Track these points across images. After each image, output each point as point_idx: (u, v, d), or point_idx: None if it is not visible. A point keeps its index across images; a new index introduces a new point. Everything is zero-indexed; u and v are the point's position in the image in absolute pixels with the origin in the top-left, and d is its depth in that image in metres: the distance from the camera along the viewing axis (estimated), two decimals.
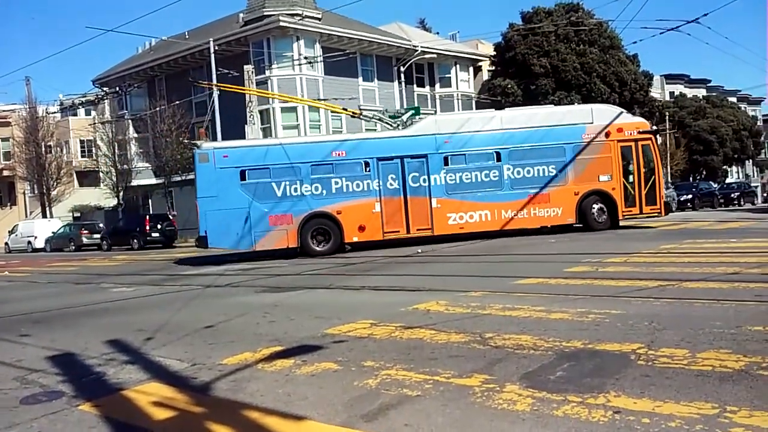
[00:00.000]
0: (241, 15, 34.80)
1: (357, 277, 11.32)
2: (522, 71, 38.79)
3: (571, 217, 19.02)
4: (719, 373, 4.04)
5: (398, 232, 18.50)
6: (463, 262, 13.24)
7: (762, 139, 66.93)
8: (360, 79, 36.10)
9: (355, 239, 18.16)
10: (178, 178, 35.00)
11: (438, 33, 49.37)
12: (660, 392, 3.78)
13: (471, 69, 42.01)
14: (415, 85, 39.05)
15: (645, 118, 25.56)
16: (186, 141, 33.59)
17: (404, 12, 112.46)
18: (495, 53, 41.79)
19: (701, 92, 67.77)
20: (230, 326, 7.19)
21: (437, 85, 40.23)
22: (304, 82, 32.88)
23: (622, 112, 20.28)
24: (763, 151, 71.11)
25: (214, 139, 31.39)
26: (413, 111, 28.01)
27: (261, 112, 31.18)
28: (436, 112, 39.24)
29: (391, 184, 18.33)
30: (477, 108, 39.33)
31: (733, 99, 70.18)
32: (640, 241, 14.49)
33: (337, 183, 18.10)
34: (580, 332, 5.46)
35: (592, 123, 19.30)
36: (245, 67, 28.95)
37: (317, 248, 17.81)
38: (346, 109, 22.42)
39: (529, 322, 6.08)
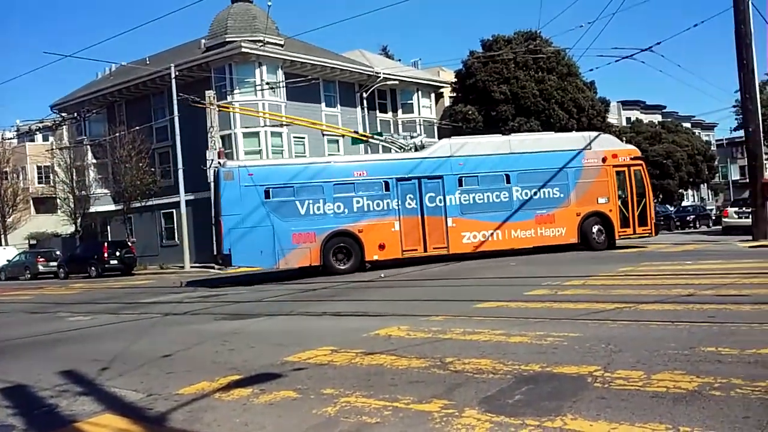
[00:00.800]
0: (203, 41, 34.74)
1: (318, 303, 11.26)
2: (482, 98, 39.37)
3: (573, 237, 20.04)
4: (673, 395, 4.10)
5: (416, 250, 19.09)
6: (426, 287, 13.27)
7: (716, 163, 68.77)
8: (323, 104, 36.23)
9: (376, 257, 18.61)
10: (138, 205, 34.54)
11: (400, 60, 50.03)
12: (616, 414, 3.82)
13: (432, 95, 42.50)
14: (377, 111, 39.33)
15: None
16: (146, 167, 33.25)
17: (367, 40, 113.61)
18: (456, 80, 42.37)
19: (657, 118, 69.54)
20: (188, 355, 7.08)
21: (399, 111, 40.58)
22: (267, 108, 32.85)
23: (614, 140, 22.02)
24: (717, 174, 73.02)
25: (175, 164, 31.22)
26: (378, 135, 28.30)
27: (222, 137, 31.01)
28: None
29: (409, 204, 18.97)
30: (438, 134, 39.82)
31: (688, 124, 72.15)
32: (598, 264, 14.71)
33: (358, 202, 18.60)
34: (539, 355, 5.50)
35: (590, 149, 20.67)
36: (207, 92, 28.82)
37: (339, 266, 18.14)
38: (357, 132, 22.94)
39: (488, 346, 6.11)
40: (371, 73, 37.48)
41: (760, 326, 5.99)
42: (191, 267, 29.23)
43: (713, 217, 43.16)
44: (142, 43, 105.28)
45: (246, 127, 32.41)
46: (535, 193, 19.95)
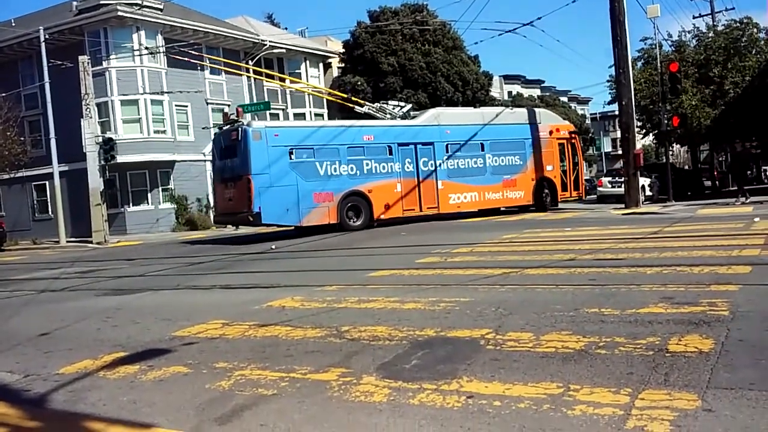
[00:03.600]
0: (75, 3, 32.50)
1: (207, 276, 10.92)
2: (371, 69, 39.34)
3: (529, 199, 22.98)
4: (562, 354, 4.26)
5: (413, 210, 20.83)
6: (318, 257, 13.19)
7: (590, 136, 72.44)
8: (206, 72, 34.97)
9: (382, 216, 20.04)
10: (6, 176, 32.10)
11: (287, 28, 48.92)
12: (509, 375, 3.92)
13: (321, 65, 41.99)
14: (264, 80, 38.44)
15: None
16: (14, 137, 30.85)
17: (251, 6, 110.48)
18: (344, 50, 42.05)
19: (536, 92, 72.22)
20: (68, 333, 6.65)
21: (287, 81, 39.85)
22: (146, 74, 31.34)
23: (556, 116, 26.33)
24: (591, 147, 77.00)
25: (47, 134, 29.26)
26: (263, 106, 27.84)
27: (99, 105, 29.28)
28: (287, 107, 38.92)
29: (407, 167, 20.62)
30: (328, 104, 39.52)
31: (565, 99, 75.46)
32: (484, 231, 15.16)
33: (367, 164, 19.93)
34: (433, 321, 5.58)
35: (539, 123, 23.76)
36: (80, 57, 27.03)
37: (352, 224, 19.25)
38: (347, 98, 23.36)
39: (383, 313, 6.13)
40: (257, 41, 36.50)
41: (638, 287, 6.35)
42: (67, 242, 27.64)
43: (588, 187, 45.57)
44: (6, 3, 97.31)
45: (124, 95, 30.78)
46: (502, 161, 22.52)
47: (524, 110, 26.55)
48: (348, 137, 19.77)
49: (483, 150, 22.14)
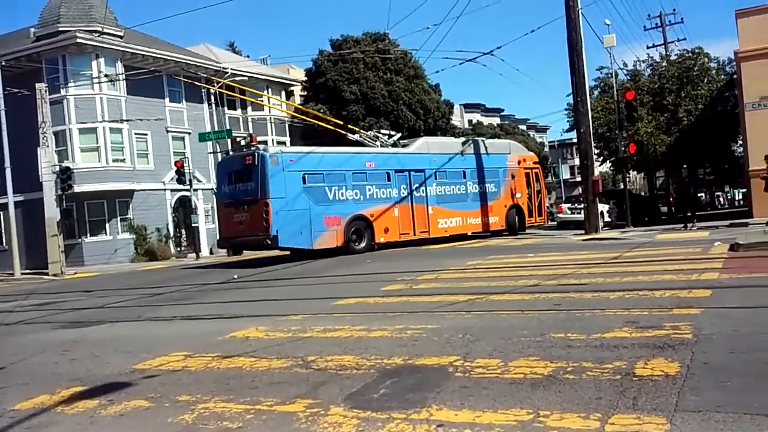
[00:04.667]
0: (33, 30, 32.04)
1: (168, 307, 10.69)
2: (333, 97, 39.50)
3: (503, 224, 24.60)
4: (530, 380, 4.25)
5: (408, 234, 21.65)
6: (282, 286, 13.04)
7: (549, 163, 73.63)
8: (167, 99, 34.71)
9: (382, 240, 20.68)
10: None
11: (248, 56, 48.93)
12: (478, 402, 3.89)
13: (283, 93, 42.04)
14: (226, 108, 38.28)
15: None
16: None
17: (212, 34, 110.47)
18: (306, 78, 42.20)
19: (496, 120, 73.40)
20: (24, 367, 6.42)
21: (249, 108, 39.77)
22: (105, 102, 30.92)
23: (522, 147, 28.19)
24: (549, 174, 78.22)
25: (2, 163, 28.57)
26: (224, 134, 27.84)
27: (56, 133, 28.76)
28: (249, 135, 38.72)
29: (402, 193, 21.56)
30: (290, 131, 39.54)
31: (524, 127, 76.78)
32: (448, 258, 15.20)
33: (369, 190, 20.76)
34: (400, 348, 5.53)
35: (509, 153, 25.66)
36: (37, 85, 26.57)
37: (356, 247, 19.91)
38: (340, 125, 23.83)
39: (350, 342, 6.06)
40: (218, 68, 36.41)
41: (603, 312, 6.41)
42: (22, 274, 26.86)
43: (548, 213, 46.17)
44: None
45: (82, 123, 30.30)
46: (481, 188, 23.91)
47: (499, 141, 29.04)
48: (353, 163, 20.65)
49: (465, 178, 23.48)
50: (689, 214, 21.68)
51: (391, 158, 21.95)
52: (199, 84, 33.45)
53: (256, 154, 18.78)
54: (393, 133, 24.67)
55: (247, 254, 23.19)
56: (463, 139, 26.60)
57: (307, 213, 19.01)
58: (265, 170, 18.35)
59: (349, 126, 24.23)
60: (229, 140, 23.76)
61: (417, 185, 21.88)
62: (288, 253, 20.11)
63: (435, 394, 4.13)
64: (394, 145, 23.16)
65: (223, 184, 20.17)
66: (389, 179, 21.30)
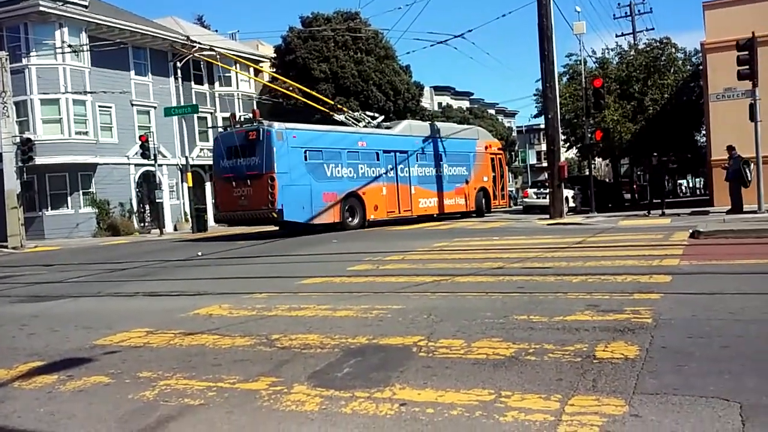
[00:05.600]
0: None
1: (130, 283, 10.55)
2: (303, 75, 39.08)
3: (472, 206, 26.01)
4: (493, 361, 4.28)
5: (394, 212, 22.78)
6: (247, 264, 12.96)
7: (516, 148, 74.22)
8: (132, 72, 34.03)
9: (372, 217, 21.65)
10: None
11: (217, 31, 48.18)
12: (441, 382, 3.91)
13: (252, 70, 41.48)
14: (193, 83, 37.71)
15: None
16: None
17: (180, 7, 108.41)
18: (275, 55, 41.72)
19: (465, 104, 73.52)
20: None
21: (217, 84, 39.22)
22: (68, 73, 30.22)
23: (488, 133, 29.88)
24: (516, 159, 78.84)
25: None
26: (190, 109, 27.67)
27: (17, 103, 28.02)
28: (215, 110, 38.29)
29: (389, 173, 22.47)
30: (259, 108, 39.04)
31: (492, 111, 77.10)
32: (414, 240, 15.25)
33: (361, 168, 21.60)
34: (365, 328, 5.53)
35: (478, 139, 27.29)
36: None
37: (350, 223, 20.69)
38: (333, 104, 24.85)
39: (315, 321, 6.04)
40: (185, 42, 35.76)
41: (565, 295, 6.49)
42: None
43: (513, 198, 46.61)
44: None
45: (44, 93, 29.60)
46: (455, 171, 25.20)
47: (469, 127, 30.83)
48: (348, 142, 21.49)
49: (442, 161, 24.68)
50: (658, 200, 22.08)
51: (380, 139, 22.81)
52: (169, 55, 32.84)
53: (261, 129, 19.14)
54: (376, 115, 25.50)
55: (213, 231, 23.01)
56: (441, 123, 27.80)
57: (308, 189, 19.58)
58: (271, 145, 18.84)
59: (338, 105, 25.04)
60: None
61: (401, 166, 22.86)
62: (276, 229, 20.96)
63: (398, 374, 4.14)
64: (377, 127, 23.89)
65: (221, 159, 20.29)
66: (378, 159, 22.17)
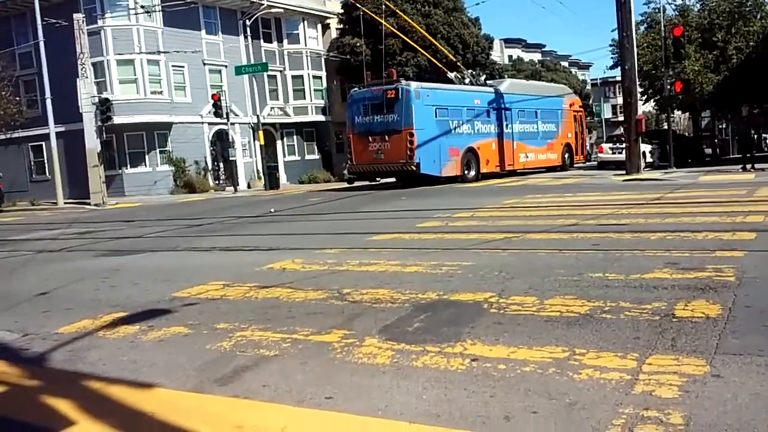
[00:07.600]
0: None
1: (206, 238, 10.86)
2: (370, 31, 38.73)
3: (560, 161, 27.65)
4: (566, 318, 4.21)
5: (500, 166, 24.19)
6: (317, 221, 13.13)
7: (590, 101, 71.88)
8: (203, 32, 34.46)
9: (484, 170, 23.10)
10: (2, 137, 31.82)
11: None
12: (513, 339, 3.88)
13: (319, 26, 41.39)
14: (262, 41, 37.90)
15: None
16: (9, 96, 30.43)
17: None
18: (343, 11, 41.39)
19: (537, 56, 71.36)
20: (66, 293, 6.61)
21: (285, 42, 39.32)
22: (142, 34, 30.84)
23: (570, 90, 32.18)
24: (591, 113, 76.38)
25: (42, 94, 28.88)
26: (260, 67, 28.23)
27: (94, 64, 28.86)
28: (284, 68, 38.49)
29: (497, 129, 23.97)
30: (326, 65, 39.09)
31: (566, 63, 74.66)
32: (484, 197, 15.08)
33: (477, 125, 23.12)
34: (435, 284, 5.53)
35: (564, 96, 28.97)
36: (75, 15, 26.57)
37: (467, 176, 22.20)
38: (452, 63, 27.50)
39: (385, 276, 6.08)
40: (254, 0, 35.90)
41: (642, 253, 6.29)
42: (65, 203, 27.51)
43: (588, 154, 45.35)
44: None
45: (120, 54, 30.35)
46: (547, 127, 26.82)
47: (557, 85, 32.80)
48: (466, 100, 22.93)
49: (537, 117, 26.22)
50: (748, 155, 20.97)
51: (490, 97, 24.09)
52: (238, 13, 33.02)
53: (400, 88, 20.63)
54: (479, 72, 27.90)
55: (285, 188, 23.42)
56: (533, 82, 30.61)
57: (437, 143, 20.96)
58: (410, 103, 20.31)
59: (458, 64, 27.63)
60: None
61: (506, 122, 24.29)
62: (364, 183, 23.38)
63: (469, 329, 4.13)
64: (484, 84, 25.63)
65: (357, 116, 21.66)
66: (489, 116, 23.64)
